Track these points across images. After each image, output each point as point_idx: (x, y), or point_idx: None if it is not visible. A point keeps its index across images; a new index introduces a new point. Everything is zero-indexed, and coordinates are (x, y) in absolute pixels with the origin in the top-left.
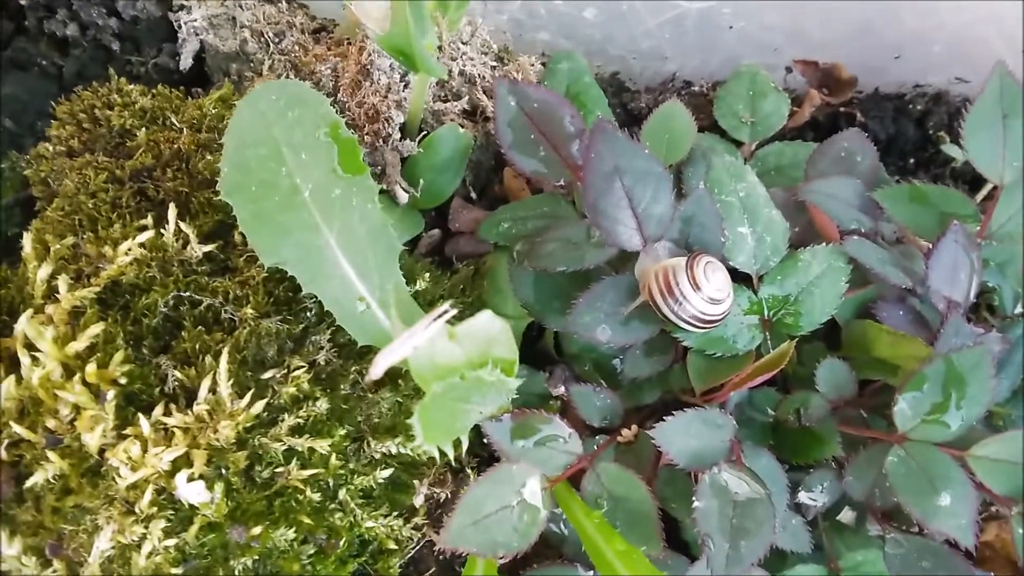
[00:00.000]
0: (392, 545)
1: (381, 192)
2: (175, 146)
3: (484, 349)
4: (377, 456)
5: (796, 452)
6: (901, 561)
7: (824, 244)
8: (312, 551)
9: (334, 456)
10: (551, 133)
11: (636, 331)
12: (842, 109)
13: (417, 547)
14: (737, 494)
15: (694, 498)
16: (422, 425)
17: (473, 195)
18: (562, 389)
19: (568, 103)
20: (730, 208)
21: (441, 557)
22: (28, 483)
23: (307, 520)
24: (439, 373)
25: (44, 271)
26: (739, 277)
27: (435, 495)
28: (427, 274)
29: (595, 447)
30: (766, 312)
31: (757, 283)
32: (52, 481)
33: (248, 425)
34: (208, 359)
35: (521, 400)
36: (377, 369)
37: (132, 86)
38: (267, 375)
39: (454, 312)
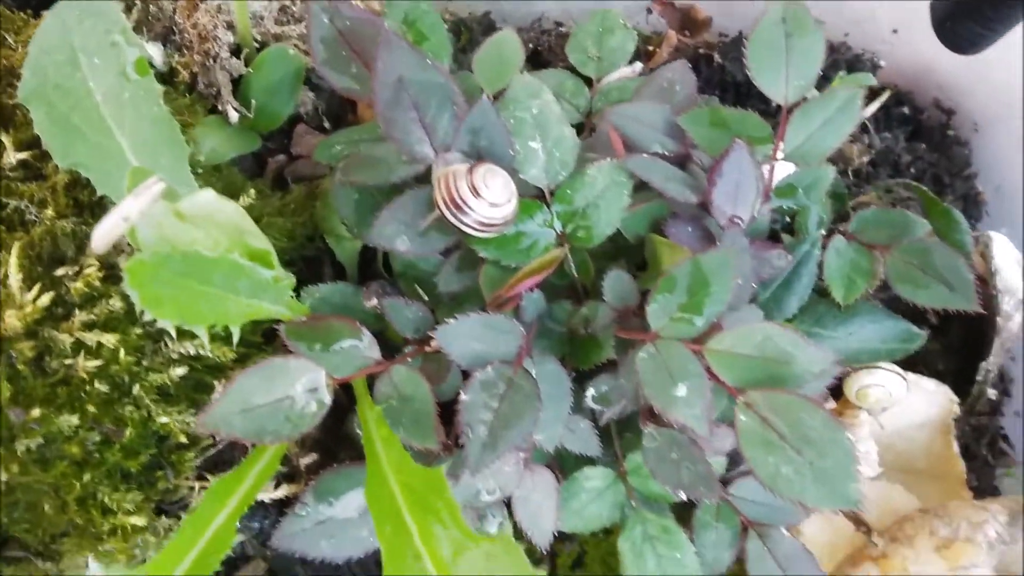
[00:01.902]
0: (184, 439)
1: (215, 112)
2: (8, 63)
3: (235, 237)
4: (175, 356)
5: (581, 359)
6: (655, 454)
7: (609, 160)
8: (98, 439)
9: (123, 351)
10: (363, 51)
11: (433, 241)
12: (702, 51)
13: (221, 445)
14: (506, 390)
15: (461, 392)
16: (139, 294)
17: (327, 124)
18: (375, 301)
19: (381, 21)
20: (522, 123)
21: None
22: None
23: (93, 409)
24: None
25: None
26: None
27: None
28: (252, 191)
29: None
30: (558, 225)
31: (550, 198)
32: None
33: (38, 317)
34: (3, 254)
35: (357, 317)
36: (95, 243)
37: None
38: (59, 272)
39: (162, 186)
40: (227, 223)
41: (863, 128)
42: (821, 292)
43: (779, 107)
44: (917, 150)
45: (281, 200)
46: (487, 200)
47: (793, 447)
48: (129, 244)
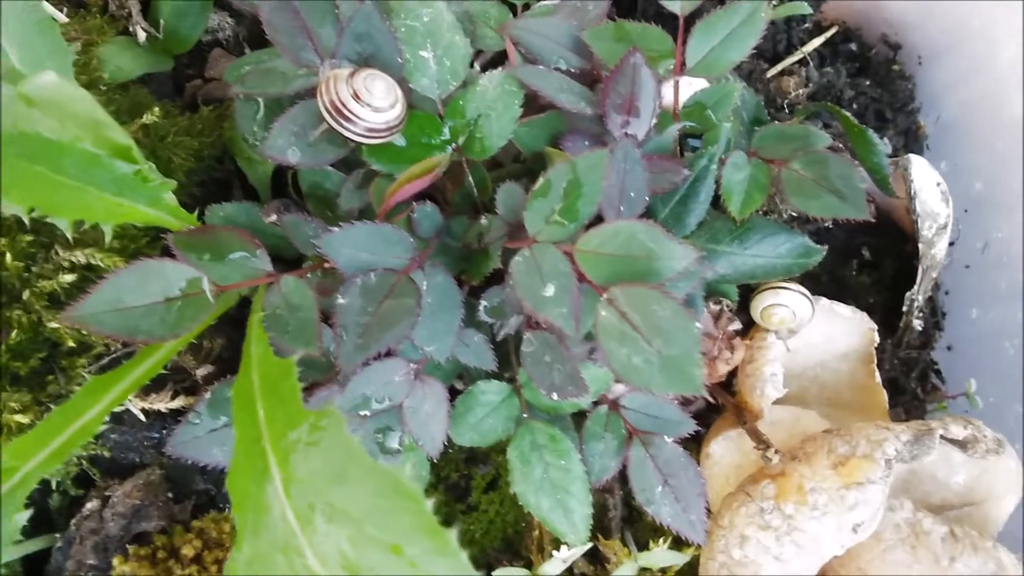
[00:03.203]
0: (74, 345)
1: (126, 33)
2: None
3: (90, 128)
4: (66, 264)
5: (474, 272)
6: (531, 358)
7: (500, 69)
8: None
9: (11, 256)
10: None
11: (323, 152)
12: None
13: (116, 353)
14: (385, 297)
15: (339, 295)
16: None
17: (248, 50)
18: (274, 217)
19: None
20: (413, 32)
21: None
22: None
23: None
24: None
25: None
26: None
27: None
28: (157, 109)
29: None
30: (448, 136)
31: (442, 108)
32: None
33: None
34: None
35: (268, 242)
36: None
37: None
38: None
39: None
40: (81, 113)
41: (801, 62)
42: (722, 210)
43: None
44: (860, 85)
45: (189, 120)
46: (370, 105)
47: (645, 338)
48: None
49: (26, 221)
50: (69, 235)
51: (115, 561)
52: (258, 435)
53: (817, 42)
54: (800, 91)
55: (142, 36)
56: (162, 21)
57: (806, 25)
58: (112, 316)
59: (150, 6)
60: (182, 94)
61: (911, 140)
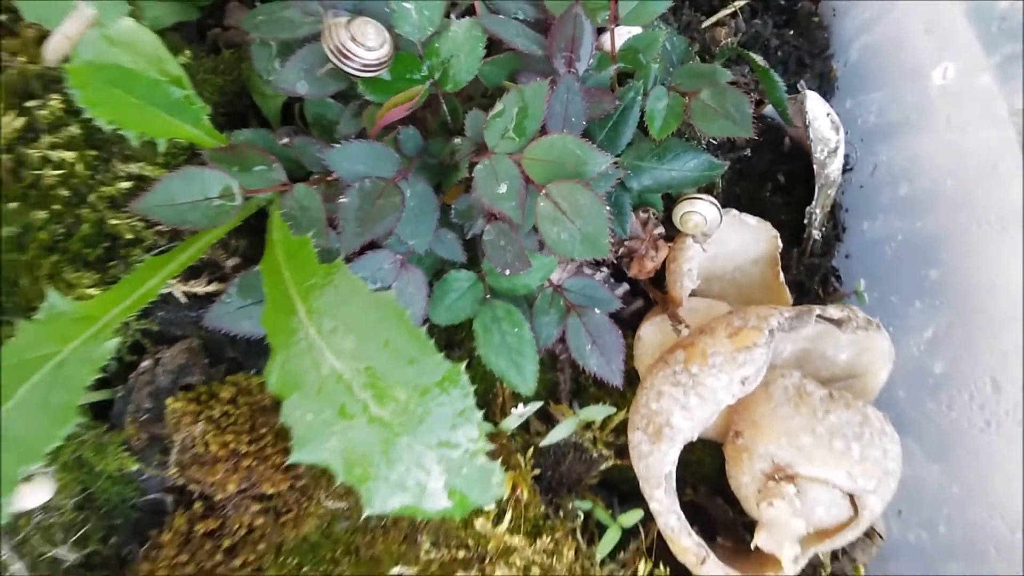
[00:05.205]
0: (131, 236)
1: None
2: None
3: (153, 61)
4: (122, 173)
5: (447, 182)
6: (490, 245)
7: (467, 18)
8: (62, 231)
9: (80, 165)
10: None
11: (327, 85)
12: None
13: (162, 247)
14: (377, 198)
15: (343, 196)
16: (80, 95)
17: (259, 2)
18: (286, 140)
19: None
20: None
21: None
22: None
23: (58, 207)
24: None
25: None
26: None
27: None
28: (188, 52)
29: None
30: (427, 72)
31: (421, 50)
32: None
33: (14, 137)
34: None
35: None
36: (46, 55)
37: None
38: (29, 104)
39: (93, 11)
40: (147, 50)
41: (733, 14)
42: (646, 133)
43: None
44: (785, 35)
45: (213, 61)
46: (364, 45)
47: (570, 219)
48: None
49: (106, 130)
50: (135, 144)
51: (168, 400)
52: (284, 287)
53: None
54: (730, 40)
55: None
56: None
57: None
58: (166, 209)
59: None
60: (204, 41)
61: (825, 82)
